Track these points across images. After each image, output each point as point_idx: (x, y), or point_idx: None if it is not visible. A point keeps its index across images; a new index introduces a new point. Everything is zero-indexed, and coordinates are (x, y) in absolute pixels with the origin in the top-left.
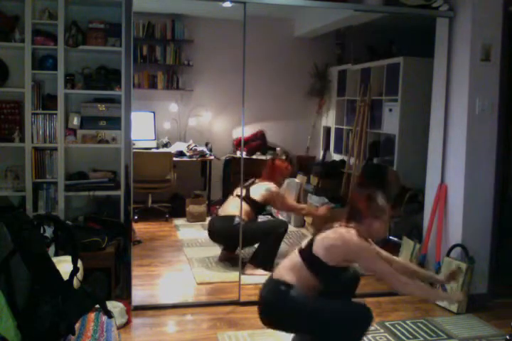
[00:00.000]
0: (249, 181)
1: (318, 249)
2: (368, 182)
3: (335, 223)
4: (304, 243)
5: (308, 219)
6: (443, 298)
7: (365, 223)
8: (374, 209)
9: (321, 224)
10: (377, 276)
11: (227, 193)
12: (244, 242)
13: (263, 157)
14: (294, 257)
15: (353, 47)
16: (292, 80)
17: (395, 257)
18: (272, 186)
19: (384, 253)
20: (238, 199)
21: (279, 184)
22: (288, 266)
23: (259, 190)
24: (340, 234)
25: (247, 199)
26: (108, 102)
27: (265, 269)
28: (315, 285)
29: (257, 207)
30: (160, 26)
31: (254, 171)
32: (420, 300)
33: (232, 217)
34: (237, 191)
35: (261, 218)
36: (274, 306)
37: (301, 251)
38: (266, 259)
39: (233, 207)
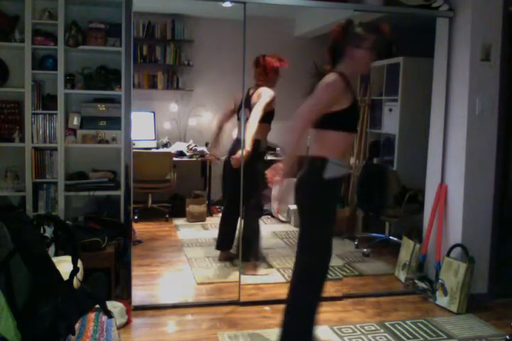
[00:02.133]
0: (245, 91)
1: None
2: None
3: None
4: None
5: None
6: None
7: (347, 56)
8: (352, 38)
9: None
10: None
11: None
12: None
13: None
14: (312, 132)
15: None
16: (292, 80)
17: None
18: (269, 91)
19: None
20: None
21: (273, 83)
22: (313, 143)
23: (260, 97)
24: (322, 80)
25: (248, 106)
26: (108, 102)
27: (256, 257)
28: (340, 142)
29: (265, 117)
30: (160, 26)
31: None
32: (420, 300)
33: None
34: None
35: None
36: (309, 181)
37: (316, 125)
38: (255, 249)
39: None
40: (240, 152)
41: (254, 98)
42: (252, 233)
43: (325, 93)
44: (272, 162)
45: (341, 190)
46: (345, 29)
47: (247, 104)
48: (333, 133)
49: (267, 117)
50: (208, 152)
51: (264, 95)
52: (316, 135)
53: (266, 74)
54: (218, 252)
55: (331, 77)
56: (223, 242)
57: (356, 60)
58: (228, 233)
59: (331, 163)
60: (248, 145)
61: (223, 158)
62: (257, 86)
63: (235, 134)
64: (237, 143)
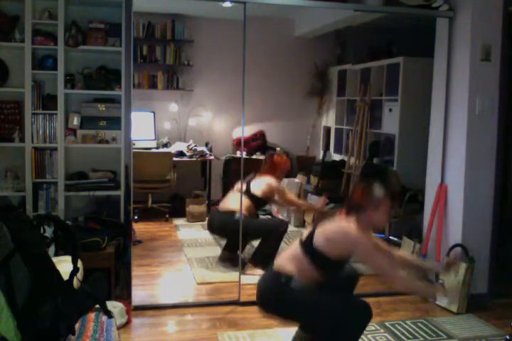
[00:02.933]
0: (250, 176)
1: (318, 241)
2: (367, 177)
3: (335, 215)
4: (304, 234)
5: (308, 219)
6: (434, 291)
7: (364, 215)
8: (372, 202)
9: (323, 218)
10: (373, 270)
11: (227, 193)
12: (244, 238)
13: (263, 157)
14: (295, 248)
15: (353, 47)
16: (292, 80)
17: (393, 249)
18: (272, 180)
19: (382, 244)
20: (239, 194)
21: (279, 179)
22: (288, 258)
23: (260, 184)
24: (340, 226)
25: (247, 193)
26: (108, 102)
27: (264, 269)
28: (315, 278)
29: (258, 202)
30: (160, 26)
31: (254, 171)
32: (420, 300)
33: (232, 213)
34: (238, 186)
35: (261, 218)
36: (273, 298)
37: (302, 243)
38: (266, 259)
39: (234, 201)
40: None
41: (256, 182)
42: (273, 245)
43: (364, 241)
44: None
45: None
46: (367, 193)
47: (248, 189)
48: (314, 270)
49: (260, 201)
50: (207, 152)
51: (269, 183)
52: (299, 256)
53: (273, 172)
54: (218, 252)
55: (355, 231)
56: (230, 245)
57: (373, 221)
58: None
59: (294, 283)
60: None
61: (223, 157)
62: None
63: (234, 134)
64: (228, 215)
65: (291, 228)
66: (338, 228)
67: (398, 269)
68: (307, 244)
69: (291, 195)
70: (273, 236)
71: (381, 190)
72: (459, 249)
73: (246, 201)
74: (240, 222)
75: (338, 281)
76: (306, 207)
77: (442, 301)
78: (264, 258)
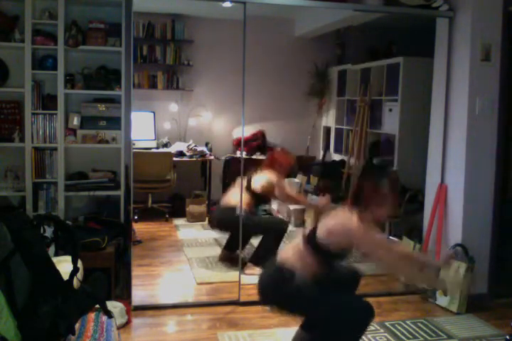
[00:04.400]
0: (251, 172)
1: (320, 234)
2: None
3: (338, 208)
4: (307, 229)
5: (308, 219)
6: (436, 284)
7: (367, 210)
8: (378, 198)
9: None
10: (375, 258)
11: (227, 192)
12: (245, 233)
13: (263, 157)
14: (298, 243)
15: (353, 47)
16: (292, 80)
17: (394, 244)
18: (271, 175)
19: (383, 238)
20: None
21: (281, 175)
22: (292, 252)
23: (261, 180)
24: (342, 217)
25: (248, 189)
26: (108, 102)
27: (267, 263)
28: (317, 273)
29: (258, 198)
30: (160, 26)
31: (257, 167)
32: (420, 301)
33: (234, 208)
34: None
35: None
36: (275, 291)
37: (306, 237)
38: (266, 258)
39: (235, 197)
40: None
41: (256, 178)
42: (272, 244)
43: (364, 230)
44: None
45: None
46: (374, 189)
47: (248, 185)
48: (317, 264)
49: (261, 197)
50: (207, 152)
51: (269, 178)
52: (302, 251)
53: (274, 167)
54: (218, 252)
55: (357, 222)
56: (230, 244)
57: (375, 216)
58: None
59: (297, 278)
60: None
61: (223, 157)
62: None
63: (234, 134)
64: (229, 210)
65: (291, 228)
66: (339, 219)
67: (399, 257)
68: (310, 238)
69: (293, 191)
70: (273, 234)
71: (386, 187)
72: (459, 249)
73: (246, 197)
74: (240, 219)
75: (340, 277)
76: (307, 204)
77: (441, 300)
78: (264, 257)
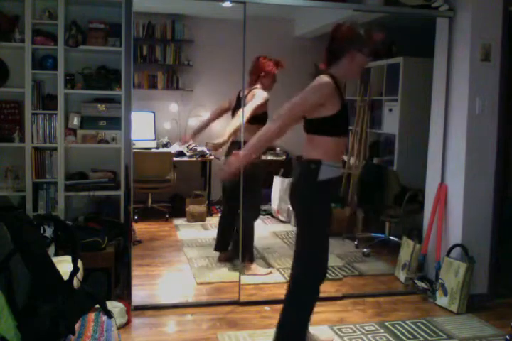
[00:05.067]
0: (239, 92)
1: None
2: (368, 178)
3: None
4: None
5: None
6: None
7: (346, 59)
8: (356, 41)
9: None
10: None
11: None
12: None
13: (263, 157)
14: (305, 137)
15: None
16: (292, 80)
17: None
18: (263, 93)
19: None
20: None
21: (267, 86)
22: (306, 146)
23: (252, 100)
24: (314, 81)
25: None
26: (108, 102)
27: (251, 259)
28: (332, 146)
29: (256, 119)
30: (160, 26)
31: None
32: (420, 300)
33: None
34: (239, 112)
35: (261, 217)
36: (305, 187)
37: (304, 128)
38: (250, 249)
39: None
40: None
41: (247, 99)
42: (246, 234)
43: (313, 95)
44: (271, 162)
45: (338, 190)
46: (351, 31)
47: (240, 105)
48: (325, 138)
49: (260, 119)
50: (207, 152)
51: (257, 96)
52: (308, 139)
53: (259, 77)
54: (218, 252)
55: (323, 80)
56: (221, 243)
57: (355, 63)
58: (225, 234)
59: (325, 165)
60: (226, 137)
61: (223, 158)
62: (251, 88)
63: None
64: (234, 146)
65: (291, 228)
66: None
67: (287, 121)
68: (306, 124)
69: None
70: (246, 229)
71: (363, 35)
72: (459, 249)
73: (245, 125)
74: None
75: (343, 129)
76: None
77: (441, 300)
78: (250, 250)
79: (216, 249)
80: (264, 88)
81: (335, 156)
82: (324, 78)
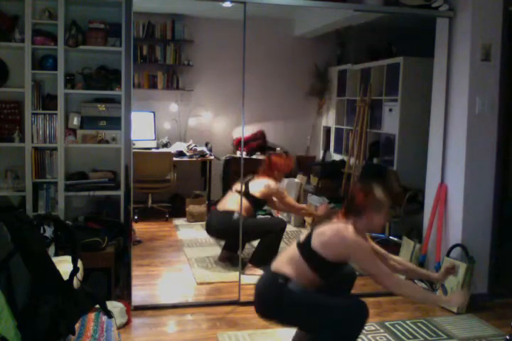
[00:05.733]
0: (248, 177)
1: (316, 244)
2: (368, 178)
3: (333, 218)
4: (302, 237)
5: (308, 219)
6: (441, 301)
7: (364, 218)
8: (374, 204)
9: (321, 220)
10: (371, 276)
11: (227, 193)
12: (243, 238)
13: (263, 157)
14: (293, 250)
15: (353, 47)
16: (292, 80)
17: (390, 255)
18: (270, 182)
19: (379, 249)
20: (237, 195)
21: (278, 180)
22: (286, 259)
23: (258, 185)
24: (338, 230)
25: (245, 194)
26: (108, 102)
27: (258, 264)
28: (313, 280)
29: (256, 203)
30: (160, 26)
31: (254, 171)
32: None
33: (230, 213)
34: (237, 187)
35: (260, 217)
36: (271, 299)
37: (300, 245)
38: (266, 258)
39: (232, 202)
40: None
41: (254, 183)
42: (268, 243)
43: (362, 246)
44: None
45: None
46: (369, 195)
47: (246, 190)
48: (312, 272)
49: (258, 202)
50: (207, 152)
51: (273, 189)
52: (297, 258)
53: (273, 173)
54: (218, 252)
55: (353, 235)
56: (229, 244)
57: (373, 223)
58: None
59: (292, 284)
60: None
61: (223, 157)
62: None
63: (234, 134)
64: (226, 216)
65: (291, 228)
66: (335, 231)
67: (394, 274)
68: (305, 246)
69: (290, 199)
70: (272, 235)
71: (382, 193)
72: (459, 251)
73: (244, 202)
74: (240, 223)
75: (336, 282)
76: (305, 212)
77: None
78: (264, 257)
79: (225, 248)
80: (276, 181)
81: (306, 285)
82: (353, 233)
